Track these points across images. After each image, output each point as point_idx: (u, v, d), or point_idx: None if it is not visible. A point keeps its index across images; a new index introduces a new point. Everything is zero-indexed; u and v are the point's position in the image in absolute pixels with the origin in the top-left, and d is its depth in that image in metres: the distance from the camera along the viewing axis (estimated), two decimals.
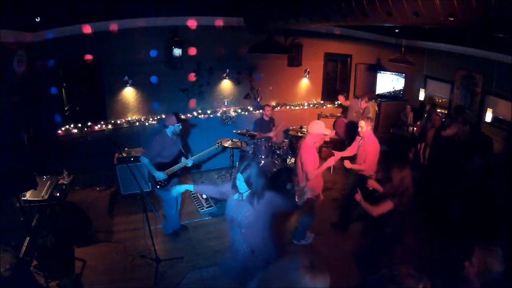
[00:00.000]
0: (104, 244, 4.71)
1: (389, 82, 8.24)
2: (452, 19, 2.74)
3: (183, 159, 4.52)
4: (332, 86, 8.37)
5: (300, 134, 6.71)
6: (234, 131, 6.47)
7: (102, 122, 6.25)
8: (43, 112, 5.62)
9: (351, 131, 6.11)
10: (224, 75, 6.94)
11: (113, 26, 5.79)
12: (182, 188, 3.22)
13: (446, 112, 7.52)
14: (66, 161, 5.39)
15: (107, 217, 5.39)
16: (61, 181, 4.52)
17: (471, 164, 5.34)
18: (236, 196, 2.88)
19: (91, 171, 6.14)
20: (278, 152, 6.24)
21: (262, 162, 5.88)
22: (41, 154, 5.34)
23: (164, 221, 4.86)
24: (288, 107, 7.81)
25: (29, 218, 4.16)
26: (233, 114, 7.20)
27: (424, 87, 8.03)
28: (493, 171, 5.21)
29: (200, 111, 6.95)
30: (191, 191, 6.08)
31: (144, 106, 6.52)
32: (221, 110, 7.13)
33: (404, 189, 3.34)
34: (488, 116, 6.31)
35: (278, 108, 7.65)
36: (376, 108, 8.04)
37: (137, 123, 6.50)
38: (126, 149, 5.94)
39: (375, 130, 8.02)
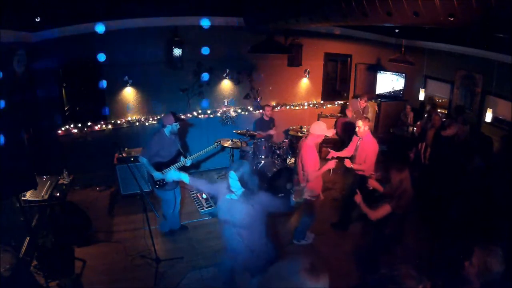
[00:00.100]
0: (104, 244, 4.71)
1: (388, 82, 8.24)
2: (452, 19, 2.74)
3: (181, 158, 4.52)
4: (332, 86, 8.38)
5: (300, 134, 6.71)
6: (234, 131, 6.47)
7: (102, 122, 6.25)
8: (43, 112, 5.62)
9: (350, 131, 6.11)
10: (224, 75, 6.94)
11: (113, 26, 5.79)
12: (177, 174, 3.19)
13: (446, 112, 7.52)
14: (66, 161, 5.40)
15: (107, 217, 5.39)
16: (61, 181, 4.52)
17: (471, 164, 5.34)
18: (228, 196, 2.86)
19: (91, 171, 6.13)
20: (278, 152, 6.24)
21: (262, 162, 5.88)
22: (41, 154, 5.35)
23: (161, 220, 4.85)
24: (288, 107, 7.81)
25: (29, 218, 4.16)
26: (233, 114, 7.21)
27: (424, 87, 8.03)
28: (493, 171, 5.21)
29: (200, 111, 6.95)
30: (191, 192, 6.11)
31: (144, 106, 6.52)
32: (221, 110, 7.13)
33: (402, 192, 3.32)
34: (488, 116, 6.30)
35: (278, 108, 7.65)
36: (376, 108, 8.04)
37: (137, 123, 6.50)
38: (126, 149, 5.94)
39: (375, 130, 8.03)
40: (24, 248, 4.06)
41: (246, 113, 7.36)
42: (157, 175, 4.32)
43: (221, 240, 3.00)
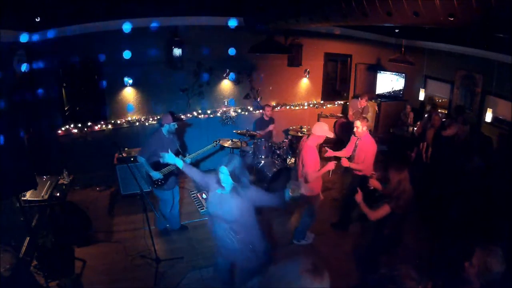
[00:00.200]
0: (104, 244, 4.71)
1: (388, 82, 8.24)
2: (452, 19, 2.74)
3: (180, 157, 4.51)
4: (332, 86, 8.38)
5: (300, 134, 6.71)
6: (234, 131, 6.47)
7: (102, 122, 6.25)
8: (43, 112, 5.62)
9: (349, 131, 6.11)
10: (224, 75, 6.94)
11: (113, 26, 5.79)
12: (172, 158, 3.15)
13: (446, 112, 7.52)
14: (66, 161, 5.39)
15: (107, 217, 5.39)
16: (61, 181, 4.52)
17: (471, 164, 5.34)
18: (219, 190, 2.84)
19: (91, 171, 6.13)
20: (278, 152, 6.24)
21: (262, 162, 5.88)
22: (41, 154, 5.35)
23: (157, 218, 4.85)
24: (288, 107, 7.81)
25: (29, 218, 4.16)
26: (233, 114, 7.21)
27: (424, 87, 8.03)
28: (493, 171, 5.21)
29: (200, 111, 6.95)
30: (191, 192, 6.11)
31: (144, 106, 6.52)
32: (221, 110, 7.13)
33: (401, 192, 3.32)
34: (488, 116, 6.31)
35: (278, 108, 7.65)
36: (376, 108, 8.05)
37: (137, 123, 6.50)
38: (126, 149, 5.94)
39: (375, 130, 8.03)
40: (24, 248, 4.06)
41: (246, 113, 7.36)
42: (155, 174, 4.33)
43: (213, 235, 2.98)
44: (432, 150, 6.44)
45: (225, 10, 6.39)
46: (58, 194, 4.21)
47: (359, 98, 6.85)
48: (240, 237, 2.83)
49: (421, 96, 7.91)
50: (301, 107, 7.97)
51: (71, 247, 4.40)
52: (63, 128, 5.98)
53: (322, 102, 8.21)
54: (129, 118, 6.46)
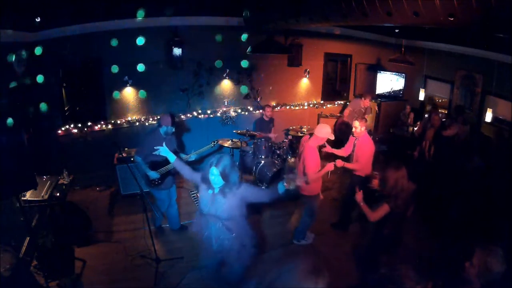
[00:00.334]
0: (104, 244, 4.71)
1: (388, 82, 8.24)
2: (452, 19, 2.74)
3: (182, 155, 4.52)
4: (332, 86, 8.38)
5: (300, 134, 6.71)
6: (234, 131, 6.47)
7: (102, 122, 6.25)
8: (43, 112, 5.62)
9: (347, 131, 6.12)
10: (224, 75, 6.94)
11: (113, 26, 5.79)
12: (166, 151, 3.15)
13: (446, 112, 7.52)
14: (66, 161, 5.39)
15: (107, 217, 5.39)
16: (61, 181, 4.52)
17: (471, 164, 5.34)
18: (210, 191, 2.85)
19: (91, 171, 6.13)
20: (278, 152, 6.24)
21: (262, 162, 5.88)
22: (41, 154, 5.34)
23: (156, 216, 4.86)
24: (288, 107, 7.81)
25: (29, 218, 4.16)
26: (233, 114, 7.21)
27: (424, 87, 8.03)
28: (493, 171, 5.21)
29: (200, 111, 6.95)
30: (191, 192, 6.11)
31: (144, 106, 6.52)
32: (221, 110, 7.13)
33: (399, 191, 3.31)
34: (488, 116, 6.30)
35: (278, 108, 7.65)
36: (376, 108, 8.04)
37: (137, 123, 6.50)
38: (126, 149, 5.94)
39: (375, 130, 8.03)
40: (24, 248, 4.06)
41: (246, 113, 7.36)
42: (151, 174, 4.35)
43: (207, 234, 2.98)
44: (437, 148, 6.42)
45: (225, 10, 6.39)
46: (58, 194, 4.21)
47: (362, 98, 6.83)
48: (233, 235, 2.87)
49: (421, 96, 7.91)
50: (301, 107, 7.97)
51: (71, 247, 4.39)
52: (63, 128, 5.98)
53: (322, 102, 8.21)
54: (129, 118, 6.46)
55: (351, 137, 4.79)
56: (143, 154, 4.28)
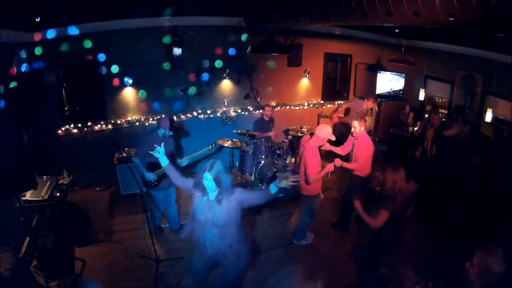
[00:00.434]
0: (104, 244, 4.71)
1: (388, 82, 8.24)
2: (452, 19, 2.74)
3: (178, 159, 4.52)
4: (332, 86, 8.38)
5: (300, 134, 6.71)
6: (234, 131, 6.47)
7: (102, 122, 6.25)
8: (43, 112, 5.62)
9: (348, 131, 6.10)
10: (224, 75, 6.94)
11: (113, 26, 5.79)
12: (162, 153, 3.08)
13: (446, 112, 7.52)
14: (66, 161, 5.39)
15: (107, 217, 5.39)
16: (61, 181, 4.52)
17: (470, 164, 5.34)
18: (205, 197, 2.86)
19: (91, 171, 6.13)
20: (278, 152, 6.23)
21: (262, 162, 5.88)
22: (41, 154, 5.34)
23: (152, 215, 4.86)
24: (288, 107, 7.81)
25: (29, 218, 4.16)
26: (233, 114, 7.20)
27: (424, 87, 8.03)
28: (493, 171, 5.21)
29: (200, 111, 6.95)
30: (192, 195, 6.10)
31: (144, 106, 6.52)
32: (221, 110, 7.13)
33: (397, 193, 3.31)
34: (488, 116, 6.30)
35: (278, 108, 7.65)
36: (376, 108, 8.04)
37: (137, 123, 6.50)
38: (126, 149, 5.94)
39: (375, 130, 8.02)
40: (24, 248, 4.06)
41: (246, 113, 7.36)
42: (148, 175, 4.37)
43: (202, 239, 2.98)
44: (437, 148, 6.42)
45: (225, 10, 6.39)
46: (58, 194, 4.21)
47: (365, 99, 6.81)
48: (229, 241, 2.88)
49: (421, 96, 7.91)
50: (301, 107, 7.97)
51: (71, 247, 4.39)
52: (63, 128, 5.97)
53: (322, 102, 8.21)
54: (129, 118, 6.45)
55: (350, 137, 4.79)
56: (141, 156, 4.29)
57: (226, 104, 7.15)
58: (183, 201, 5.47)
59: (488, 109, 6.36)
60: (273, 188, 2.82)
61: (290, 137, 6.80)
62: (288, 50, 6.97)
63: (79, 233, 4.63)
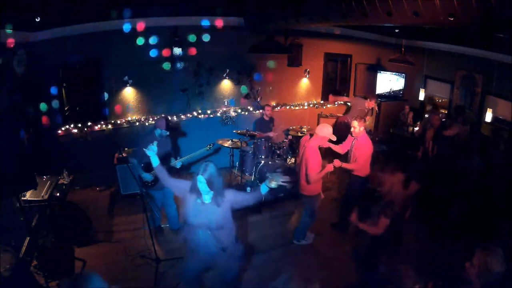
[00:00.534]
0: (104, 244, 4.71)
1: (388, 82, 8.24)
2: (452, 19, 2.74)
3: (172, 160, 4.52)
4: (332, 86, 8.38)
5: (300, 134, 6.71)
6: (234, 131, 6.47)
7: (102, 122, 6.25)
8: (43, 112, 5.62)
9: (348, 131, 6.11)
10: (224, 75, 6.94)
11: (113, 26, 5.79)
12: (153, 151, 3.05)
13: (446, 112, 7.52)
14: (66, 161, 5.39)
15: (107, 217, 5.39)
16: (61, 181, 4.52)
17: (470, 164, 5.34)
18: (198, 200, 2.85)
19: (91, 171, 6.13)
20: (278, 152, 6.23)
21: (262, 162, 5.88)
22: (41, 154, 5.34)
23: (152, 215, 4.87)
24: (288, 107, 7.81)
25: (29, 218, 4.16)
26: (233, 114, 7.20)
27: (424, 87, 8.02)
28: (493, 171, 5.21)
29: (200, 111, 6.95)
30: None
31: (144, 106, 6.52)
32: (221, 110, 7.13)
33: (394, 197, 3.30)
34: (488, 116, 6.30)
35: (278, 108, 7.65)
36: (376, 108, 8.04)
37: (137, 123, 6.50)
38: (126, 149, 5.94)
39: (375, 130, 8.02)
40: (24, 248, 4.06)
41: (246, 113, 7.36)
42: (145, 175, 4.38)
43: (194, 244, 2.97)
44: (438, 148, 6.42)
45: (225, 10, 6.39)
46: (58, 194, 4.21)
47: (368, 99, 6.80)
48: (222, 244, 2.88)
49: (421, 96, 7.90)
50: (301, 107, 7.97)
51: (71, 247, 4.39)
52: (63, 128, 5.97)
53: (322, 102, 8.20)
54: (129, 118, 6.45)
55: (349, 136, 4.79)
56: (139, 157, 4.30)
57: (226, 104, 7.15)
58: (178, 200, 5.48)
59: (488, 109, 6.36)
60: (263, 189, 2.82)
61: (290, 137, 6.80)
62: (288, 50, 6.97)
63: (79, 233, 4.63)
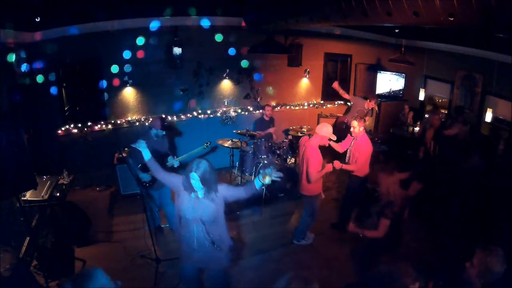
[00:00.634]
0: (104, 244, 4.71)
1: (388, 82, 8.24)
2: (452, 19, 2.74)
3: (169, 159, 4.52)
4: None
5: (300, 134, 6.71)
6: (234, 131, 6.47)
7: (102, 122, 6.25)
8: (43, 112, 5.62)
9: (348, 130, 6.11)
10: (224, 75, 6.94)
11: (113, 26, 5.79)
12: (143, 146, 3.07)
13: (446, 112, 7.52)
14: (66, 161, 5.39)
15: (107, 217, 5.39)
16: (61, 181, 4.53)
17: (470, 164, 5.34)
18: (193, 194, 2.86)
19: (91, 171, 6.13)
20: (278, 152, 6.23)
21: (262, 162, 5.87)
22: (41, 154, 5.34)
23: (150, 215, 4.86)
24: (288, 107, 7.81)
25: (29, 218, 4.16)
26: (233, 114, 7.20)
27: (424, 87, 8.03)
28: (493, 171, 5.21)
29: (200, 111, 6.95)
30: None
31: (144, 106, 6.52)
32: (221, 110, 7.13)
33: (392, 198, 3.30)
34: (488, 116, 6.31)
35: (278, 108, 7.65)
36: (376, 108, 8.03)
37: (137, 123, 6.50)
38: (126, 149, 5.92)
39: (375, 130, 8.02)
40: (24, 248, 4.06)
41: (246, 113, 7.36)
42: (142, 176, 4.39)
43: (187, 238, 2.97)
44: (438, 148, 6.41)
45: (225, 10, 6.39)
46: (58, 194, 4.22)
47: (368, 100, 6.80)
48: (214, 238, 2.90)
49: (421, 96, 7.91)
50: (301, 107, 7.97)
51: (71, 247, 4.39)
52: (63, 128, 5.97)
53: (322, 102, 8.20)
54: (129, 118, 6.45)
55: (349, 136, 4.79)
56: (133, 155, 4.31)
57: (226, 104, 7.15)
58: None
59: (488, 109, 6.37)
60: (258, 183, 2.84)
61: (290, 137, 6.79)
62: (288, 50, 6.97)
63: (79, 233, 4.63)
